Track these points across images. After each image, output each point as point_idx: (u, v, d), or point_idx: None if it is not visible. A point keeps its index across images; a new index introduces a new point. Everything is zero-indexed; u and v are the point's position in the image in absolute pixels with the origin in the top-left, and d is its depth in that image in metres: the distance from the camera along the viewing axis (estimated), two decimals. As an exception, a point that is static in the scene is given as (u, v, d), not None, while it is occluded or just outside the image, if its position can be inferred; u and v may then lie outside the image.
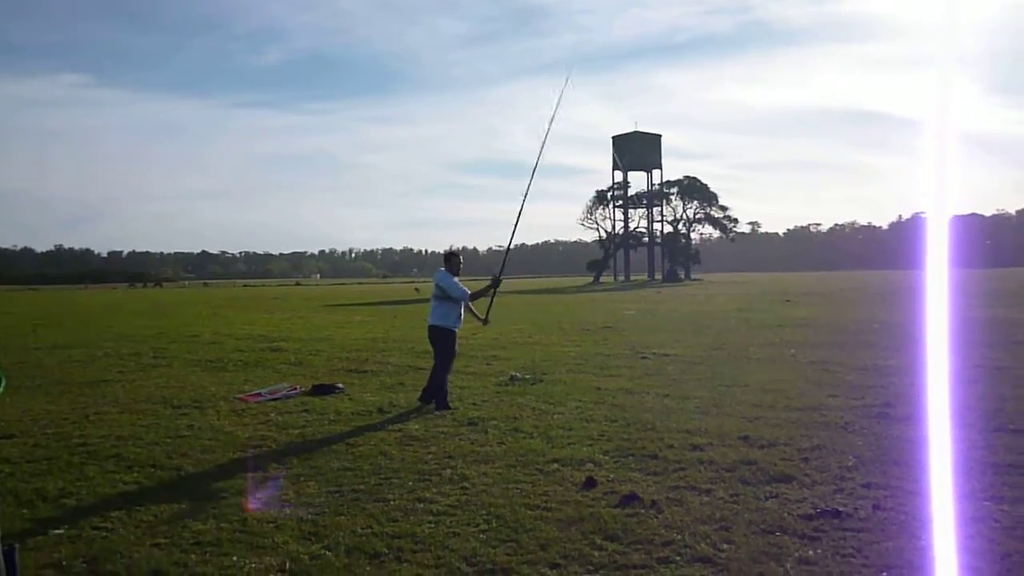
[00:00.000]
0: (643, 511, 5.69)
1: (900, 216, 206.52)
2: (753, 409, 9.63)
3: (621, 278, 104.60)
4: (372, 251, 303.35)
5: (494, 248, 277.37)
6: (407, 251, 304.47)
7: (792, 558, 4.73)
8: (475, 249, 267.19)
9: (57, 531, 5.48)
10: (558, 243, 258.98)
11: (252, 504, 6.07)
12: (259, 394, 11.43)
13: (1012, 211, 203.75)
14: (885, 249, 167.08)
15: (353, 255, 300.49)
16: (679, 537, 5.13)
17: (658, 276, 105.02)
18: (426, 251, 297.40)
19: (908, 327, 20.41)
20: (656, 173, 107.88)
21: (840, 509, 5.59)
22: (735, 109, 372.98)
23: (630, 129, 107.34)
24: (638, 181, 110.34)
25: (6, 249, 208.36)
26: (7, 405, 10.34)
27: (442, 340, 10.42)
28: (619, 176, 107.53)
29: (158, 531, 5.49)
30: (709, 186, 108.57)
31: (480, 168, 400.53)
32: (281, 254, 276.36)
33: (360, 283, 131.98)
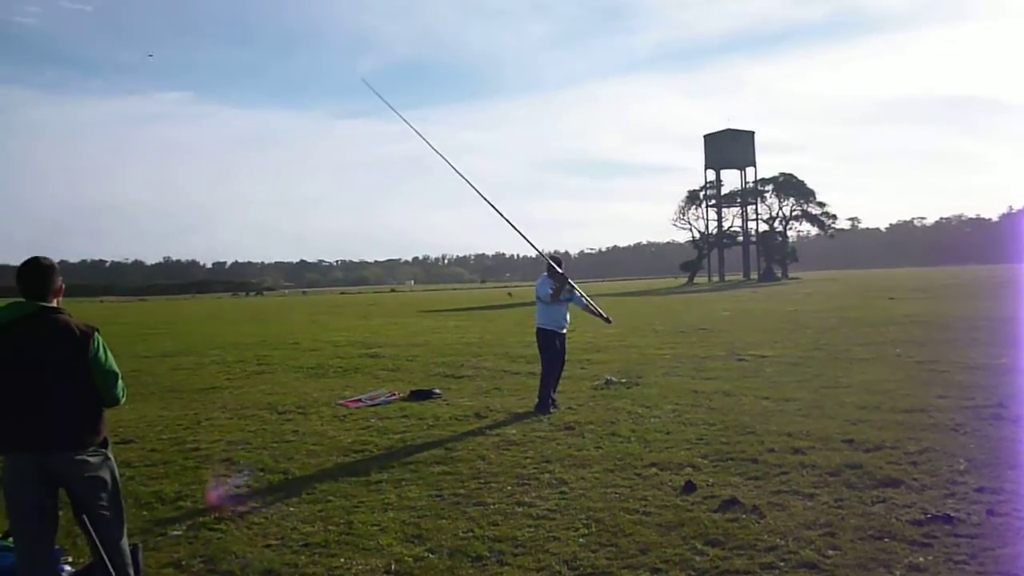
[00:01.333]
0: (744, 516, 5.62)
1: (1011, 207, 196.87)
2: (857, 411, 9.38)
3: (716, 278, 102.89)
4: (465, 256, 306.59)
5: (586, 251, 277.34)
6: (499, 255, 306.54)
7: (902, 565, 4.61)
8: (567, 252, 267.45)
9: (175, 532, 5.76)
10: (650, 244, 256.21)
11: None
12: (359, 400, 11.72)
13: None
14: (995, 242, 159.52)
15: (446, 260, 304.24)
16: (782, 542, 5.06)
17: (754, 276, 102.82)
18: (518, 255, 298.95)
19: (1019, 323, 19.50)
20: (750, 171, 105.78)
21: (952, 514, 5.41)
22: (832, 100, 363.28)
23: (722, 126, 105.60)
24: (731, 179, 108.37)
25: (119, 262, 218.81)
26: (124, 411, 10.87)
27: (543, 341, 10.62)
28: (711, 174, 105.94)
29: (269, 532, 5.72)
30: (806, 182, 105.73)
31: (571, 168, 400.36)
32: (376, 261, 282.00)
33: (454, 288, 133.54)
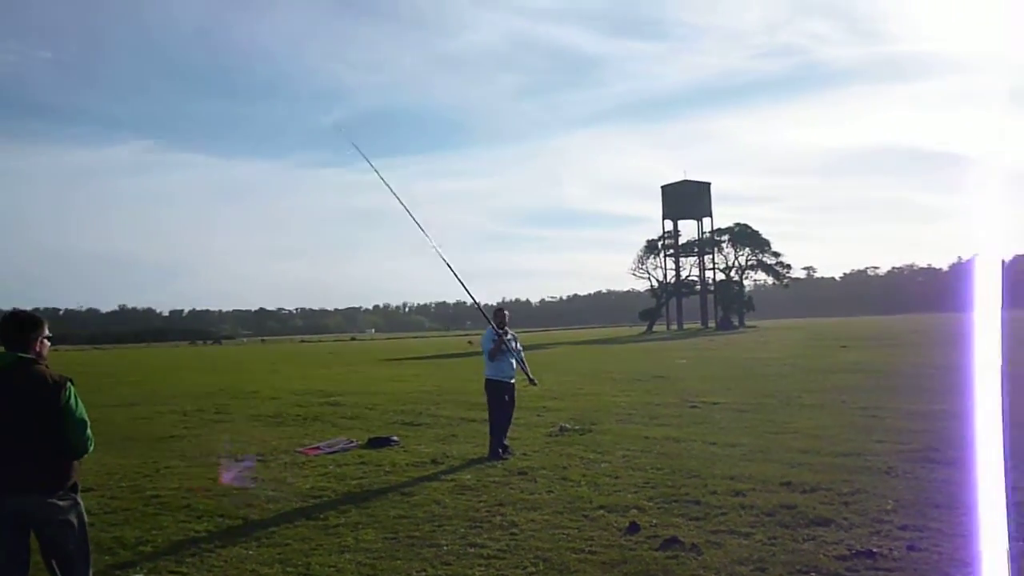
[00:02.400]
0: (683, 554, 5.96)
1: (960, 258, 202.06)
2: (798, 455, 9.81)
3: (674, 327, 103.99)
4: (426, 304, 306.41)
5: (547, 299, 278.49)
6: (460, 304, 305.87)
7: (823, 595, 4.97)
8: (527, 300, 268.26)
9: (138, 575, 5.93)
10: (610, 292, 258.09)
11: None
12: (318, 447, 11.90)
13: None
14: (946, 291, 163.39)
15: (407, 309, 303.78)
16: (717, 577, 5.39)
17: (711, 324, 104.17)
18: (480, 303, 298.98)
19: (963, 371, 20.20)
20: (707, 221, 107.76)
21: (874, 550, 5.80)
22: (788, 152, 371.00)
23: (680, 176, 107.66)
24: (689, 229, 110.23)
25: (73, 310, 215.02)
26: (84, 460, 10.93)
27: (490, 391, 10.93)
28: (669, 225, 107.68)
29: (229, 575, 5.92)
30: (761, 232, 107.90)
31: (535, 219, 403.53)
32: (337, 309, 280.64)
33: (415, 336, 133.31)
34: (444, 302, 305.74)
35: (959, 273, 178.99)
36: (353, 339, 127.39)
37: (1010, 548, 5.55)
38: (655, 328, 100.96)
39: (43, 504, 4.31)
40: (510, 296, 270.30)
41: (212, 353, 70.69)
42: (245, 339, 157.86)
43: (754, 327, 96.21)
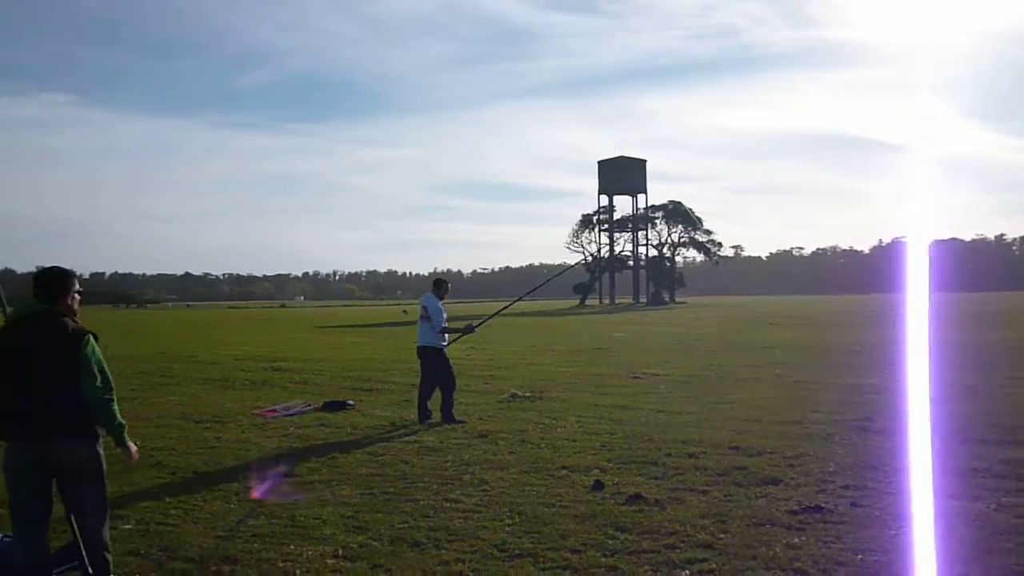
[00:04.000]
0: (648, 508, 6.40)
1: (881, 240, 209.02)
2: (742, 423, 10.38)
3: (607, 301, 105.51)
4: (356, 273, 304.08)
5: (478, 271, 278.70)
6: (391, 273, 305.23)
7: (781, 544, 5.46)
8: (459, 272, 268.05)
9: (127, 525, 6.12)
10: (543, 266, 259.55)
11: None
12: (275, 410, 12.08)
13: (991, 236, 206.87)
14: (867, 273, 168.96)
15: (337, 277, 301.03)
16: (682, 528, 5.84)
17: (643, 299, 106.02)
18: (410, 273, 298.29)
19: (886, 349, 21.26)
20: (641, 197, 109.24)
21: (822, 506, 6.32)
22: (719, 133, 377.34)
23: (615, 153, 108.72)
24: (623, 205, 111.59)
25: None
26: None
27: (429, 358, 11.14)
28: (604, 200, 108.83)
29: (217, 526, 6.16)
30: (693, 210, 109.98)
31: (464, 190, 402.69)
32: (265, 276, 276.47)
33: (346, 305, 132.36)
34: (375, 271, 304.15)
35: (880, 256, 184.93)
36: (283, 306, 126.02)
37: (936, 505, 6.14)
38: (587, 302, 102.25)
39: (65, 450, 4.50)
40: (442, 267, 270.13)
41: (139, 318, 69.06)
42: (170, 304, 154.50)
43: (684, 303, 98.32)
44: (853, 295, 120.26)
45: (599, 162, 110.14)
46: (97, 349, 4.61)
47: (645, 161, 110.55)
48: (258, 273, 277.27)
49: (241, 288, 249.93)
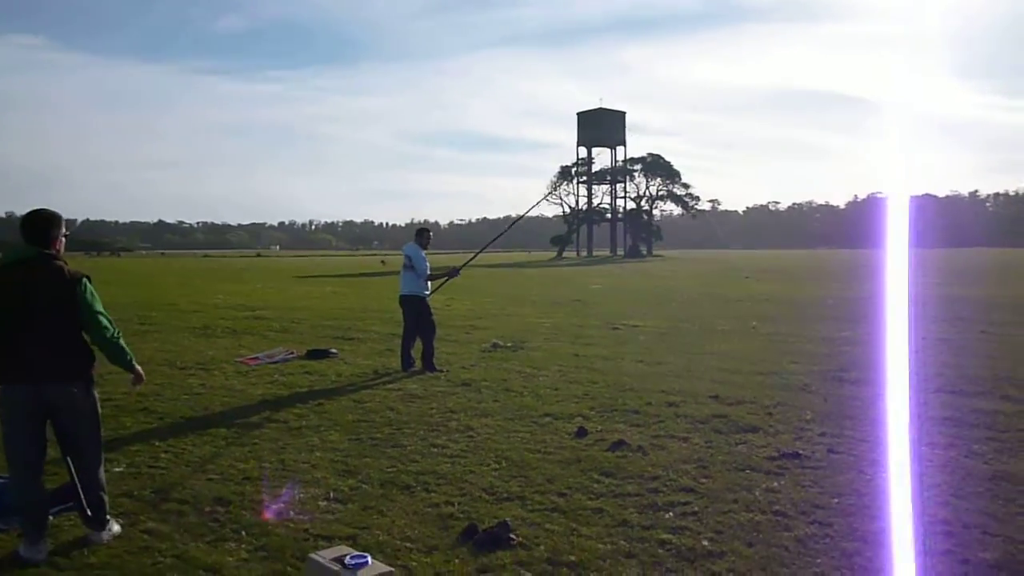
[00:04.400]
0: (631, 454, 6.56)
1: (856, 196, 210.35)
2: (721, 373, 10.57)
3: (584, 253, 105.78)
4: (333, 223, 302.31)
5: (456, 222, 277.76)
6: (368, 223, 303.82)
7: (760, 488, 5.63)
8: (436, 223, 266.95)
9: (117, 468, 6.19)
10: (520, 217, 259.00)
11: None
12: (258, 357, 12.12)
13: (965, 192, 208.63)
14: (841, 228, 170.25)
15: (313, 227, 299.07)
16: (664, 473, 6.01)
17: (620, 252, 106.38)
18: (387, 223, 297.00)
19: (860, 302, 21.59)
20: (620, 150, 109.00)
21: (800, 452, 6.51)
22: (699, 87, 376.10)
23: (595, 104, 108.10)
24: (603, 157, 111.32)
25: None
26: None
27: (413, 307, 11.21)
28: (583, 152, 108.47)
29: (208, 469, 6.25)
30: (672, 163, 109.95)
31: (440, 140, 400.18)
32: (240, 225, 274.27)
33: (323, 255, 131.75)
34: (352, 221, 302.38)
35: (855, 211, 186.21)
36: (259, 255, 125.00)
37: (910, 452, 6.34)
38: (565, 254, 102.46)
39: (60, 392, 4.55)
40: (419, 218, 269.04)
41: (113, 265, 68.46)
42: (144, 252, 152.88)
43: (661, 256, 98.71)
44: (828, 249, 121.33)
45: (578, 114, 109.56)
46: (92, 290, 4.65)
47: (624, 113, 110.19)
48: (233, 222, 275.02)
49: (216, 237, 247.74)
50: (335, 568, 3.77)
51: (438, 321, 11.70)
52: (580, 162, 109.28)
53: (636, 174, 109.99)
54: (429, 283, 11.37)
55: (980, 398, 8.73)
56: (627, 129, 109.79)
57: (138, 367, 4.96)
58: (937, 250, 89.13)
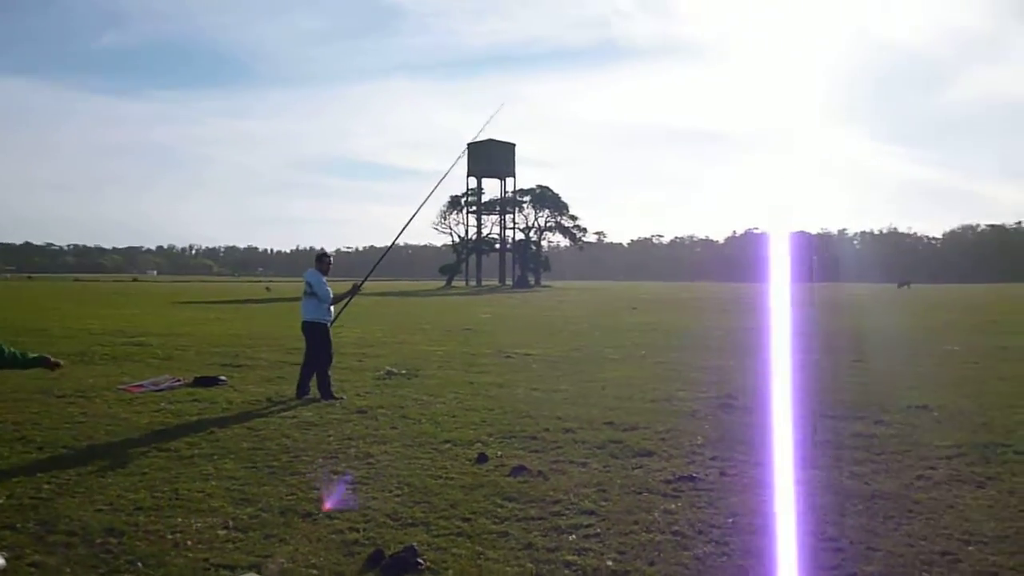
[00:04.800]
0: (532, 479, 6.64)
1: (735, 231, 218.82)
2: (614, 400, 10.80)
3: (473, 283, 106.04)
4: (214, 248, 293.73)
5: (342, 249, 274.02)
6: (251, 249, 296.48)
7: (659, 509, 5.80)
8: (323, 249, 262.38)
9: (-2, 500, 5.86)
10: (407, 246, 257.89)
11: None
12: (142, 385, 11.68)
13: (835, 230, 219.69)
14: (721, 262, 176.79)
15: (194, 252, 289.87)
16: (566, 497, 6.11)
17: (509, 282, 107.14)
18: (272, 249, 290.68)
19: (743, 333, 22.46)
20: (510, 181, 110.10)
21: (694, 475, 6.73)
22: (585, 122, 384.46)
23: (485, 136, 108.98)
24: (492, 188, 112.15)
25: None
26: None
27: (316, 334, 11.07)
28: (473, 182, 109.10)
29: (96, 500, 5.98)
30: (560, 196, 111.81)
31: (327, 167, 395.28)
32: (115, 248, 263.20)
33: (204, 281, 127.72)
34: (234, 246, 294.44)
35: (734, 245, 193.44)
36: (135, 279, 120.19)
37: (796, 474, 6.66)
38: (454, 283, 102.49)
39: None
40: (304, 244, 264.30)
41: (-24, 288, 64.57)
42: (8, 275, 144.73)
43: (549, 286, 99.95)
44: (709, 282, 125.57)
45: (468, 144, 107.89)
46: None
47: (514, 145, 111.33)
48: (107, 245, 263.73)
49: (88, 260, 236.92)
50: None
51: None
52: (470, 192, 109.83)
53: (525, 205, 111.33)
54: (332, 308, 11.24)
55: (857, 422, 9.21)
56: (517, 161, 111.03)
57: (48, 356, 4.82)
58: (809, 284, 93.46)
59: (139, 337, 20.03)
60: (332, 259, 11.59)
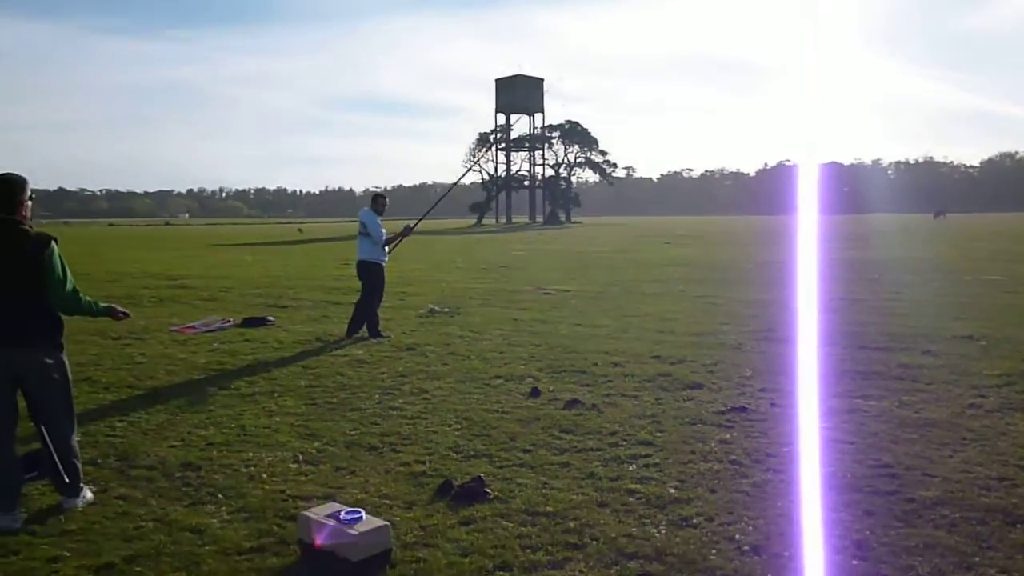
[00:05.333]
0: (586, 412, 6.79)
1: (766, 164, 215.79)
2: (658, 335, 10.90)
3: (503, 220, 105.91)
4: (244, 190, 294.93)
5: (371, 189, 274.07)
6: (281, 191, 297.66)
7: (714, 440, 5.93)
8: (351, 190, 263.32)
9: (75, 438, 6.09)
10: (436, 184, 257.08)
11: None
12: (193, 326, 11.94)
13: (868, 160, 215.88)
14: (752, 195, 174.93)
15: (224, 194, 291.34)
16: (621, 429, 6.25)
17: (539, 219, 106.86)
18: (301, 191, 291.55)
19: (778, 266, 22.37)
20: (539, 117, 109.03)
21: (745, 406, 6.85)
22: (614, 55, 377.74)
23: (514, 71, 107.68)
24: (521, 124, 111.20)
25: None
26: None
27: (371, 273, 11.23)
28: (502, 119, 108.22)
29: (168, 436, 6.22)
30: (590, 131, 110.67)
31: (353, 105, 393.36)
32: (146, 192, 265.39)
33: (235, 223, 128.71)
34: (264, 188, 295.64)
35: (765, 178, 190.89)
36: (167, 223, 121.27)
37: (847, 404, 6.73)
38: (484, 221, 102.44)
39: (30, 358, 4.50)
40: (333, 185, 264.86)
41: (15, 234, 65.53)
42: (44, 220, 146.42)
43: (579, 223, 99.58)
44: (739, 216, 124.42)
45: (496, 80, 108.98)
46: (59, 254, 4.60)
47: (543, 80, 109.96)
48: (138, 189, 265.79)
49: (120, 204, 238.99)
50: (331, 524, 3.86)
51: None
52: (498, 129, 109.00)
53: (555, 141, 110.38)
54: (386, 248, 11.37)
55: (902, 353, 9.24)
56: (545, 96, 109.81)
57: (116, 306, 5.08)
58: (842, 216, 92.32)
59: (181, 280, 20.36)
60: (387, 200, 11.63)
